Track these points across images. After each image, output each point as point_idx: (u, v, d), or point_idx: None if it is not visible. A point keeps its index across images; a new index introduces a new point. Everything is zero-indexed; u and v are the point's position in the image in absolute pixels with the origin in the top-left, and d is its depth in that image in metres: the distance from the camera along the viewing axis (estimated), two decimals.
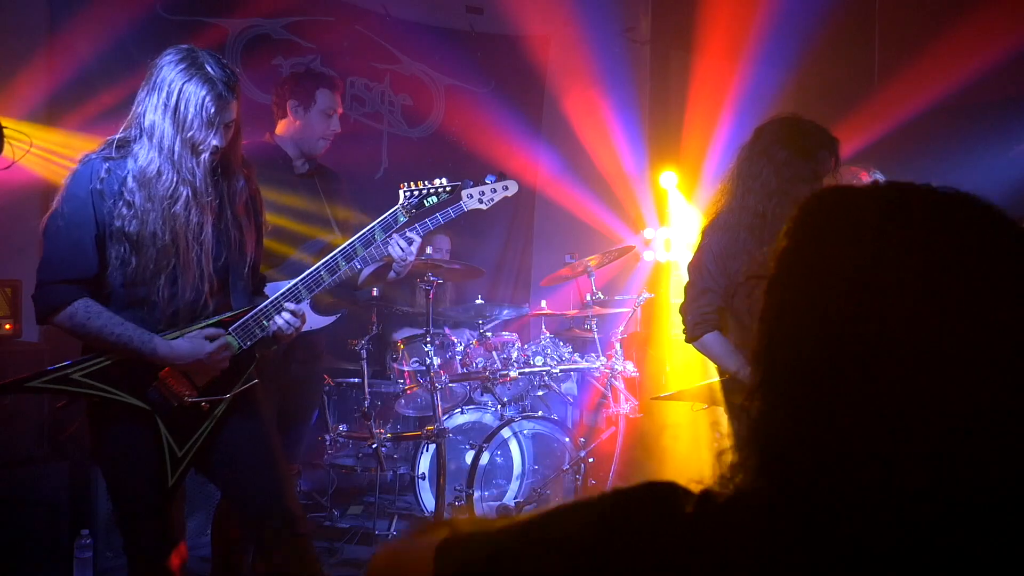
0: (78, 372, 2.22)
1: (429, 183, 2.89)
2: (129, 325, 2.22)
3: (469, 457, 4.19)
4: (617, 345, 4.79)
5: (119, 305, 2.27)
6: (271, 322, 2.45)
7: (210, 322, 2.36)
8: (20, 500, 3.46)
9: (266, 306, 2.44)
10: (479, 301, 4.85)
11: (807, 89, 6.59)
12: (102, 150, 2.28)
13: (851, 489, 0.63)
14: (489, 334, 4.61)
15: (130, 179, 2.23)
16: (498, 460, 4.31)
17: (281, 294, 2.49)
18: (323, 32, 5.39)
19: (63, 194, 2.24)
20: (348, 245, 2.66)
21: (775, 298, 0.73)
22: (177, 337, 2.29)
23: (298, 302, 2.51)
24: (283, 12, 5.23)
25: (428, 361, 4.02)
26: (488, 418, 4.41)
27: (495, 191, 3.39)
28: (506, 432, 4.25)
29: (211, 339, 2.32)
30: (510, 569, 0.77)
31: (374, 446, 4.06)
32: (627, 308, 5.01)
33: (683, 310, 2.97)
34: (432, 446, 4.13)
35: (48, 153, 4.15)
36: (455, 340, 4.62)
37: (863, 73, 6.31)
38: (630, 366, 4.75)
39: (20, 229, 4.27)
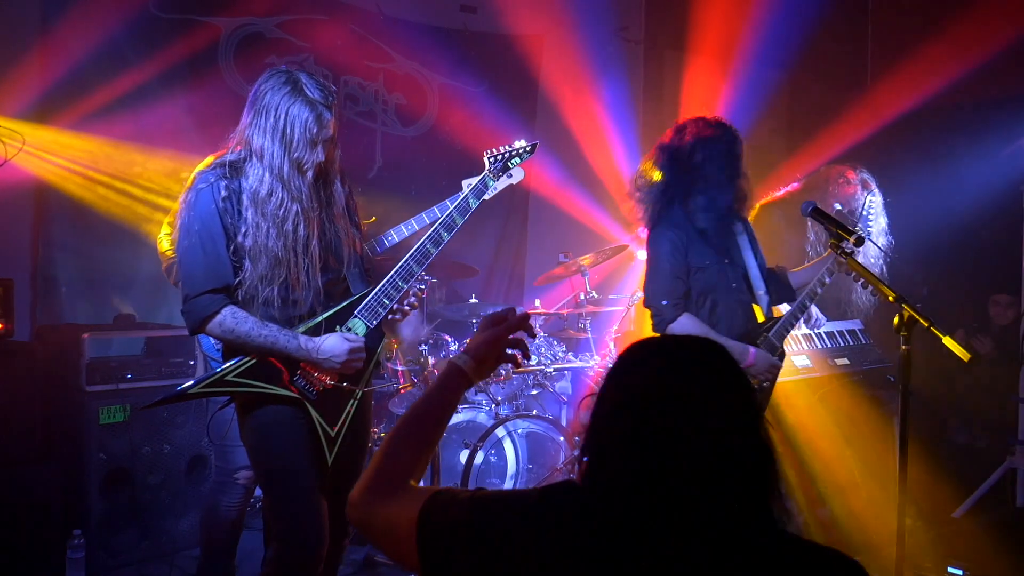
0: (231, 374, 2.41)
1: (510, 146, 3.01)
2: (273, 326, 2.41)
3: (463, 456, 4.19)
4: (611, 344, 4.80)
5: None
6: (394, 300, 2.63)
7: (337, 308, 2.53)
8: (11, 501, 3.44)
9: (384, 285, 2.62)
10: (473, 300, 4.84)
11: (800, 89, 6.61)
12: (215, 170, 2.44)
13: (615, 481, 1.18)
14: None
15: (245, 197, 2.40)
16: (492, 459, 4.30)
17: (395, 272, 2.64)
18: (316, 31, 5.38)
19: (190, 213, 2.40)
20: (448, 216, 2.75)
21: (600, 389, 1.27)
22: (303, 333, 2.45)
23: (411, 277, 2.66)
24: (276, 11, 5.21)
25: (422, 360, 4.02)
26: (482, 417, 4.41)
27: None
28: (500, 431, 4.24)
29: (351, 340, 2.49)
30: (484, 527, 1.26)
31: (368, 445, 4.04)
32: (621, 307, 5.02)
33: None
34: None
35: (40, 152, 4.14)
36: (448, 339, 4.62)
37: (856, 73, 6.34)
38: None
39: (12, 228, 4.26)
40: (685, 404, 1.15)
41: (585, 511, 1.19)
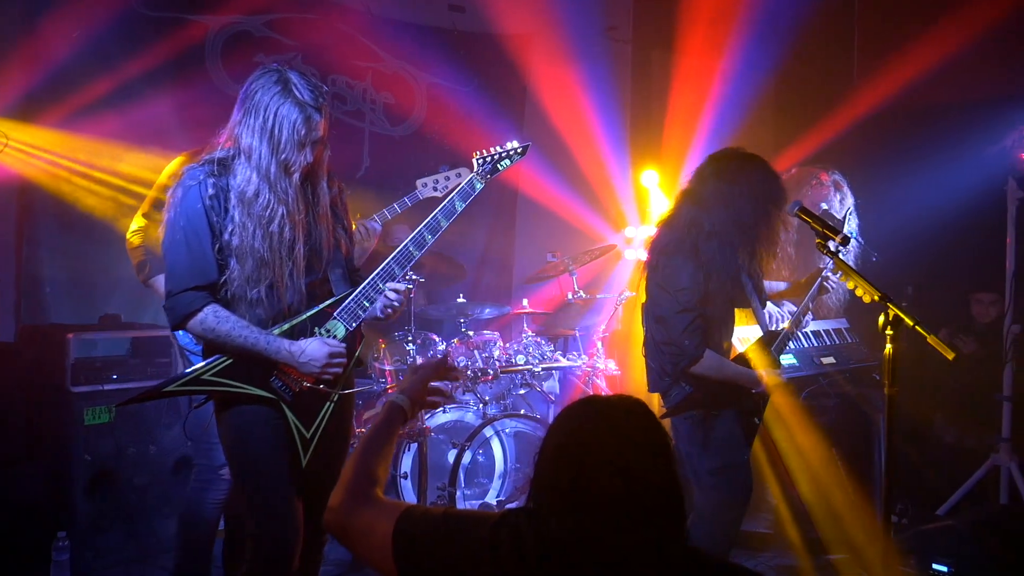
0: (207, 372, 2.41)
1: (501, 148, 2.93)
2: (254, 328, 2.40)
3: (451, 456, 4.19)
4: (599, 343, 4.81)
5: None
6: (376, 303, 2.59)
7: (317, 310, 2.51)
8: None
9: (365, 288, 2.59)
10: (460, 300, 4.84)
11: (787, 88, 6.63)
12: (204, 167, 2.42)
13: (553, 507, 1.39)
14: (471, 333, 4.60)
15: (233, 196, 2.39)
16: (480, 459, 4.30)
17: (376, 274, 2.61)
18: (305, 29, 5.37)
19: (176, 209, 2.39)
20: (432, 219, 2.71)
21: (545, 435, 1.48)
22: (282, 333, 2.45)
23: (392, 279, 2.62)
24: (264, 9, 5.19)
25: (409, 360, 4.01)
26: (470, 417, 4.41)
27: (448, 179, 3.64)
28: (488, 431, 4.24)
29: (331, 346, 2.47)
30: (455, 543, 1.46)
31: (349, 448, 4.04)
32: (608, 306, 5.03)
33: None
34: (414, 445, 4.13)
35: (25, 150, 4.11)
36: (436, 339, 4.61)
37: (842, 72, 6.36)
38: (612, 364, 4.76)
39: None
40: (610, 447, 1.37)
41: (535, 531, 1.40)
